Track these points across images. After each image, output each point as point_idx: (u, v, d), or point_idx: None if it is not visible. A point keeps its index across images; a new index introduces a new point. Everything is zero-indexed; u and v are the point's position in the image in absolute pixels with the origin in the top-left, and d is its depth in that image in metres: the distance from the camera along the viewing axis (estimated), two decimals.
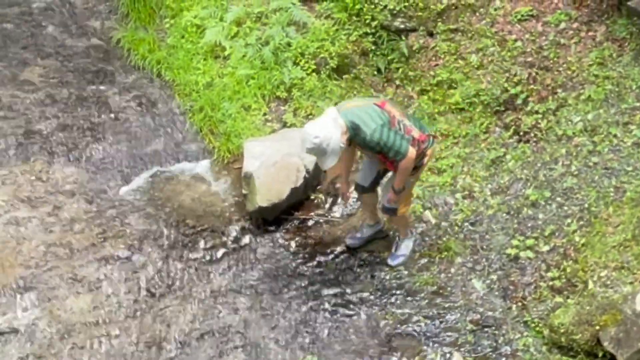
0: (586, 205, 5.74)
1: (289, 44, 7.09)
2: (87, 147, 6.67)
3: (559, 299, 5.37)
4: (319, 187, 6.39)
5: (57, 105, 7.03)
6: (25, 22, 7.93)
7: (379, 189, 5.75)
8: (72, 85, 7.25)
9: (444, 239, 5.92)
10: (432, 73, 6.84)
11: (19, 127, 6.78)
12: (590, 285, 5.27)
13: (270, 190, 6.04)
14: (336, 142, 5.05)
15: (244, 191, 6.20)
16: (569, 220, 5.73)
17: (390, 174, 5.54)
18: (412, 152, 5.15)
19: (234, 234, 6.08)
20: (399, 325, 5.49)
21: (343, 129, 5.07)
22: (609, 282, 5.23)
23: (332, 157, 5.10)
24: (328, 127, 5.05)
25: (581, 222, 5.67)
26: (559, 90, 6.38)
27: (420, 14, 6.98)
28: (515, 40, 6.69)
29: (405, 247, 5.81)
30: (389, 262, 5.81)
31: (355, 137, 5.12)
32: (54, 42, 7.73)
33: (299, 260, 5.94)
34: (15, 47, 7.62)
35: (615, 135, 6.04)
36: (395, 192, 5.35)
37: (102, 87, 7.26)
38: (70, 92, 7.18)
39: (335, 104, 6.86)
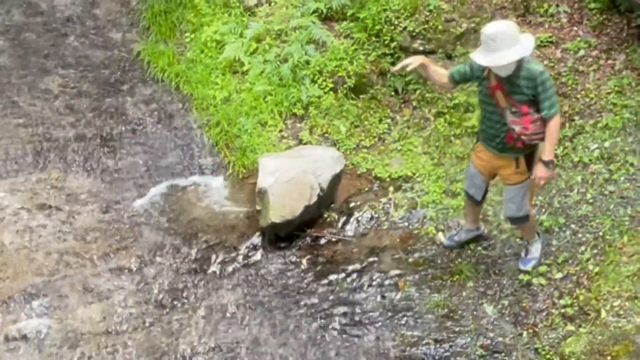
0: (601, 234, 5.70)
1: (307, 62, 7.13)
2: (103, 157, 6.72)
3: (570, 327, 5.32)
4: (332, 205, 6.39)
5: (75, 115, 7.10)
6: (47, 31, 8.02)
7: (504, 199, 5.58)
8: (91, 96, 7.32)
9: (456, 262, 5.89)
10: (449, 96, 6.85)
11: (36, 135, 6.84)
12: (603, 314, 5.22)
13: (283, 206, 6.05)
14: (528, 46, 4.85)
15: (257, 207, 6.21)
16: (582, 248, 5.69)
17: (508, 187, 5.37)
18: (559, 115, 4.98)
19: (245, 249, 6.08)
20: (408, 348, 5.45)
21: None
22: (622, 312, 5.18)
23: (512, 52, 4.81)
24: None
25: (595, 251, 5.63)
26: (576, 118, 6.37)
27: (439, 36, 7.00)
28: None
29: (535, 250, 5.67)
30: (521, 266, 5.66)
31: (519, 70, 4.89)
32: (74, 53, 7.81)
33: (310, 278, 5.93)
34: (37, 56, 7.70)
35: (632, 164, 6.01)
36: (546, 164, 5.02)
37: (120, 99, 7.32)
38: (89, 102, 7.24)
39: (352, 123, 6.93)
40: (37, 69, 7.54)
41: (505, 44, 4.81)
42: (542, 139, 5.09)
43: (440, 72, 5.35)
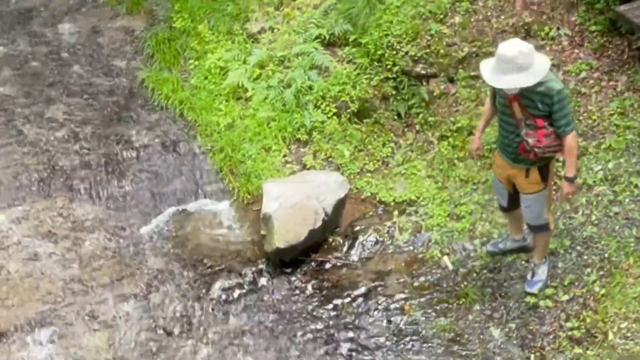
0: (606, 255, 5.68)
1: (310, 87, 7.16)
2: (108, 184, 6.74)
3: (578, 349, 5.29)
4: (337, 229, 6.40)
5: (80, 143, 7.13)
6: (52, 60, 8.11)
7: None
8: (96, 123, 7.36)
9: (462, 285, 5.87)
10: (452, 119, 6.87)
11: (42, 164, 6.87)
12: (610, 336, 5.20)
13: (288, 231, 6.06)
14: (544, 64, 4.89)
15: (262, 232, 6.21)
16: (588, 270, 5.67)
17: (524, 196, 5.35)
18: (575, 131, 5.02)
19: (251, 275, 6.08)
20: None
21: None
22: (629, 334, 5.15)
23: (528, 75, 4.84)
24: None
25: (601, 272, 5.61)
26: (580, 139, 6.37)
27: (441, 60, 7.04)
28: None
29: (542, 272, 5.65)
30: (527, 289, 5.64)
31: (536, 85, 4.89)
32: (79, 81, 7.88)
33: (315, 303, 5.92)
34: (42, 84, 7.77)
35: (636, 185, 6.01)
36: (570, 180, 5.12)
37: (125, 126, 7.36)
38: (94, 130, 7.28)
39: (355, 148, 6.95)
40: (42, 98, 7.60)
41: (519, 68, 4.84)
42: (556, 152, 5.14)
43: (486, 115, 5.48)
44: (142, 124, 7.41)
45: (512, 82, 4.88)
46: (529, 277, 5.71)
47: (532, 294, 5.62)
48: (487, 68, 5.00)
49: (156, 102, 7.60)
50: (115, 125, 7.36)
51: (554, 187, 6.12)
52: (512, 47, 4.90)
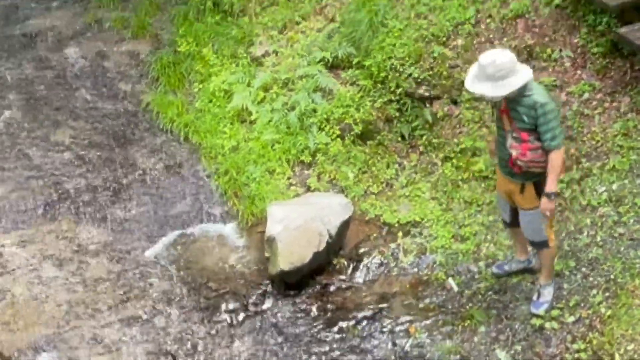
0: (612, 277, 5.66)
1: (314, 110, 7.20)
2: (113, 207, 6.77)
3: None
4: (341, 251, 6.39)
5: (86, 166, 7.17)
6: (58, 84, 8.18)
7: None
8: (101, 147, 7.40)
9: (467, 307, 5.85)
10: (455, 140, 6.89)
11: (47, 187, 6.91)
12: (617, 358, 5.16)
13: (292, 254, 6.06)
14: (526, 74, 4.90)
15: (266, 254, 6.21)
16: (594, 291, 5.64)
17: (521, 211, 5.35)
18: (563, 149, 5.03)
19: (255, 297, 6.07)
20: None
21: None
22: (636, 356, 5.11)
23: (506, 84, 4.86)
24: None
25: (607, 294, 5.59)
26: (583, 160, 6.38)
27: (444, 82, 7.08)
28: None
29: (548, 293, 5.63)
30: (533, 310, 5.61)
31: (519, 98, 4.93)
32: (85, 104, 7.94)
33: (320, 326, 5.90)
34: (48, 108, 7.83)
35: None
36: (547, 196, 5.08)
37: (130, 149, 7.40)
38: (99, 154, 7.33)
39: (359, 169, 6.97)
40: (48, 122, 7.65)
41: (489, 77, 4.89)
42: (543, 168, 5.12)
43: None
44: (147, 147, 7.45)
45: (479, 89, 4.95)
46: (534, 298, 5.69)
47: (537, 316, 5.60)
48: (471, 72, 5.07)
49: (161, 125, 7.65)
50: (120, 149, 7.40)
51: (558, 208, 6.13)
52: (489, 56, 4.96)
